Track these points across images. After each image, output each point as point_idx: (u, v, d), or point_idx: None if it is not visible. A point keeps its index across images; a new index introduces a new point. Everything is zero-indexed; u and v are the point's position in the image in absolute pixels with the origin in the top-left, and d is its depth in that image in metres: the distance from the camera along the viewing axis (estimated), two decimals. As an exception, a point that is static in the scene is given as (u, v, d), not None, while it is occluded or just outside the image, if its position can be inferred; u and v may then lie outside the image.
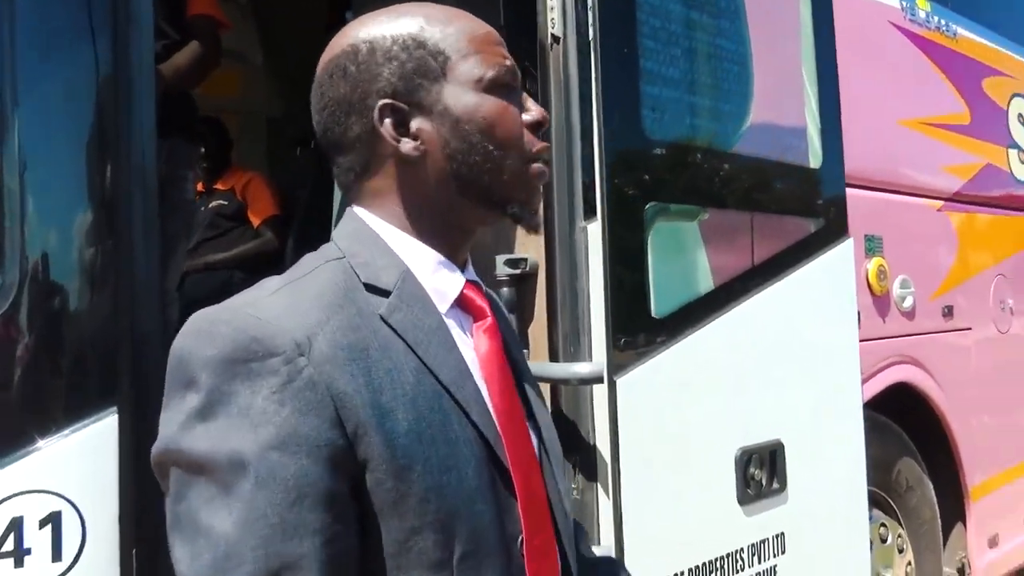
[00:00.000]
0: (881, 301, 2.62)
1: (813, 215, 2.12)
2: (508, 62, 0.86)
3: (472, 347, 0.85)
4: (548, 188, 1.69)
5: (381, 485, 0.74)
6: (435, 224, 0.86)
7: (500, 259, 1.84)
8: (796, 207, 2.09)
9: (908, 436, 2.72)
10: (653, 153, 1.79)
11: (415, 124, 0.83)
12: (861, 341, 2.76)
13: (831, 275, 2.12)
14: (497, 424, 0.83)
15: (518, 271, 1.88)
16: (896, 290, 2.66)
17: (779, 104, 2.04)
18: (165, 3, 2.08)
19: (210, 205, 3.49)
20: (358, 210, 0.87)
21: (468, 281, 0.88)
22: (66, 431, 1.22)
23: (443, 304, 0.85)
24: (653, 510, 1.64)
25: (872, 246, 2.63)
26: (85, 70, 1.26)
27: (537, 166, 0.88)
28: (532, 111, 0.88)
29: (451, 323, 0.85)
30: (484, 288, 0.92)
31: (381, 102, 0.82)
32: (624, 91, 1.73)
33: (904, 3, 2.80)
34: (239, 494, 0.69)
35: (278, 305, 0.77)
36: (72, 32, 1.25)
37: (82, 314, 1.25)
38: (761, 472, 1.84)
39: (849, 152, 2.37)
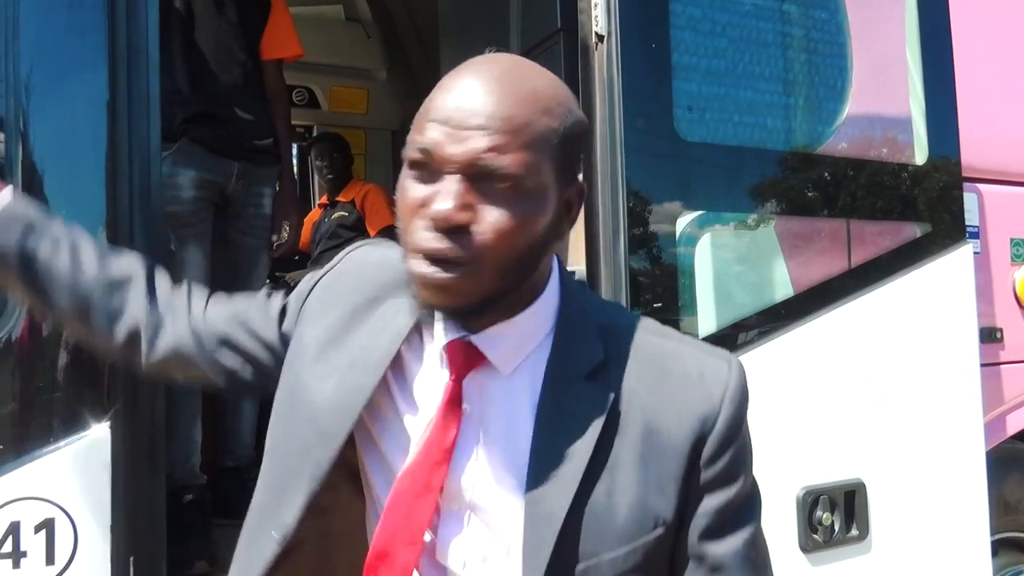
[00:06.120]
0: (1034, 316, 2.23)
1: (914, 218, 1.82)
2: (425, 143, 0.78)
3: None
4: (591, 193, 1.58)
5: None
6: None
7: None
8: (887, 210, 1.80)
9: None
10: (700, 156, 1.61)
11: None
12: (1010, 364, 2.38)
13: (938, 286, 1.81)
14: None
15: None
16: (1055, 303, 2.25)
17: (867, 93, 1.77)
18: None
19: (332, 216, 3.64)
20: None
21: (456, 341, 0.85)
22: (61, 442, 1.28)
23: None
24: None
25: (1022, 252, 2.25)
26: (90, 96, 1.32)
27: (414, 262, 0.78)
28: (434, 202, 0.77)
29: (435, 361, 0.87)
30: (492, 364, 0.85)
31: None
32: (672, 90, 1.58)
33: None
34: None
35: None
36: (77, 60, 1.32)
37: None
38: (832, 516, 1.60)
39: (989, 141, 2.04)
